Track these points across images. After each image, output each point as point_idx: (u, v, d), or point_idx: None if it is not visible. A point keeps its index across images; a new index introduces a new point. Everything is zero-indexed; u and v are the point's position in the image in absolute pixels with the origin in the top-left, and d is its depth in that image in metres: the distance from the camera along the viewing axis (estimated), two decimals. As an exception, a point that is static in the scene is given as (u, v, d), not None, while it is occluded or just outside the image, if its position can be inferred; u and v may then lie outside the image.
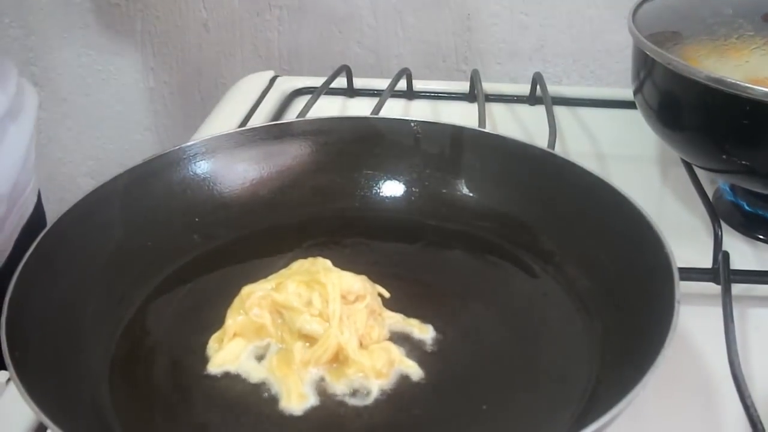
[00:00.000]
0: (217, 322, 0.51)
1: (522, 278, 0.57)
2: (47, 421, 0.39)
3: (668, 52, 0.61)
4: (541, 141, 0.65)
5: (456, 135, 0.63)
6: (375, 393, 0.48)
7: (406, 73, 0.87)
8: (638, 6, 0.68)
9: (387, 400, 0.47)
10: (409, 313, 0.53)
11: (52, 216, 0.53)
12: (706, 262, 0.59)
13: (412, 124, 0.64)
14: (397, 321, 0.52)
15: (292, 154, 0.64)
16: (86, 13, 1.20)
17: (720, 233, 0.60)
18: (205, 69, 1.21)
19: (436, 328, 0.52)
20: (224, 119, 0.84)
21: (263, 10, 1.14)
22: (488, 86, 0.85)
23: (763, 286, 0.59)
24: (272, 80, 0.93)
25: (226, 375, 0.49)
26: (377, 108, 0.76)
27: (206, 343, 0.51)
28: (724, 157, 0.62)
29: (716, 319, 0.53)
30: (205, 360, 0.50)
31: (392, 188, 0.64)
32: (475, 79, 0.84)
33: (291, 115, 0.86)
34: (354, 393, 0.48)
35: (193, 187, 0.60)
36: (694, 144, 0.65)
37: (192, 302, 0.55)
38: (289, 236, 0.60)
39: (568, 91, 0.88)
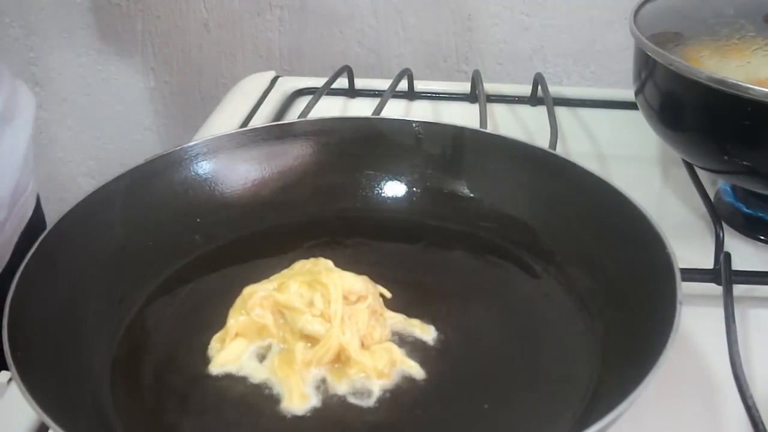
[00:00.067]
0: (219, 323, 0.51)
1: (523, 278, 0.57)
2: (49, 421, 0.39)
3: (670, 53, 0.61)
4: (542, 141, 0.65)
5: (457, 135, 0.63)
6: (377, 393, 0.48)
7: (408, 74, 0.87)
8: (639, 6, 0.68)
9: (389, 400, 0.47)
10: (410, 314, 0.53)
11: (52, 216, 0.53)
12: (707, 263, 0.59)
13: (414, 125, 0.64)
14: (398, 321, 0.52)
15: (294, 154, 0.64)
16: (87, 13, 1.20)
17: (721, 234, 0.60)
18: (206, 69, 1.21)
19: (437, 329, 0.52)
20: (225, 119, 0.84)
21: (264, 10, 1.14)
22: (489, 87, 0.85)
23: (764, 287, 0.59)
24: (273, 80, 0.93)
25: (228, 375, 0.49)
26: (378, 108, 0.76)
27: (208, 343, 0.51)
28: (725, 157, 0.62)
29: (717, 320, 0.53)
30: (206, 360, 0.50)
31: (394, 188, 0.64)
32: (476, 80, 0.84)
33: (292, 116, 0.86)
34: (356, 393, 0.48)
35: (195, 188, 0.60)
36: (696, 145, 0.65)
37: (193, 302, 0.55)
38: (291, 236, 0.60)
39: (570, 91, 0.88)
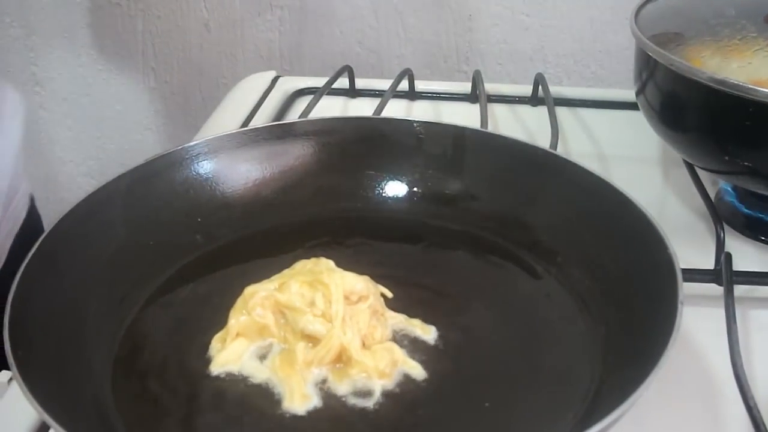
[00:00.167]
0: (220, 322, 0.51)
1: (524, 279, 0.57)
2: (50, 421, 0.39)
3: (671, 53, 0.61)
4: (543, 142, 0.66)
5: (458, 135, 0.63)
6: (378, 393, 0.47)
7: (408, 74, 0.87)
8: (640, 7, 0.68)
9: (390, 400, 0.47)
10: (411, 314, 0.53)
11: (52, 216, 0.53)
12: (708, 264, 0.59)
13: (415, 125, 0.64)
14: (399, 321, 0.52)
15: (295, 154, 0.63)
16: (87, 13, 1.20)
17: (722, 234, 0.60)
18: (206, 69, 1.21)
19: (438, 329, 0.52)
20: (226, 119, 0.84)
21: (264, 10, 1.15)
22: (490, 87, 0.85)
23: (765, 287, 0.59)
24: (274, 80, 0.93)
25: (229, 375, 0.49)
26: (379, 108, 0.76)
27: (209, 343, 0.51)
28: (726, 158, 0.62)
29: (718, 321, 0.53)
30: (207, 360, 0.50)
31: (395, 189, 0.64)
32: (477, 80, 0.84)
33: (293, 116, 0.86)
34: (357, 393, 0.48)
35: (196, 187, 0.60)
36: (697, 145, 0.65)
37: (194, 302, 0.55)
38: (292, 236, 0.60)
39: (570, 92, 0.88)
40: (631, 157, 0.77)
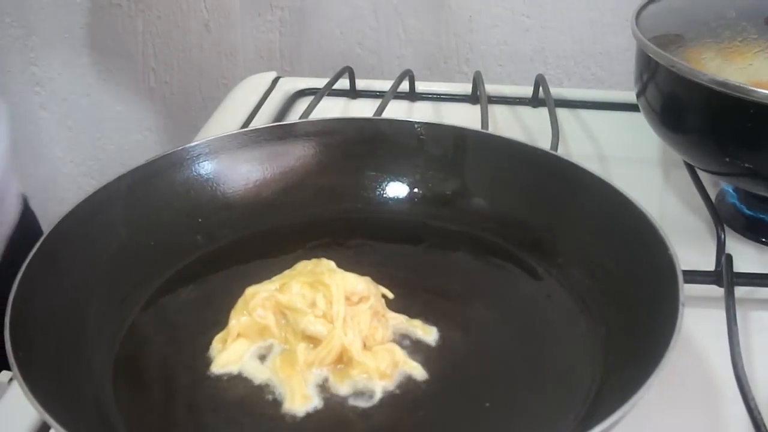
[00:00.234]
0: (221, 323, 0.51)
1: (525, 280, 0.57)
2: (50, 421, 0.39)
3: (671, 55, 0.61)
4: (543, 143, 0.65)
5: (459, 137, 0.63)
6: (379, 394, 0.47)
7: (409, 75, 0.87)
8: (641, 8, 0.68)
9: (391, 401, 0.47)
10: (412, 315, 0.53)
11: (52, 216, 0.53)
12: (709, 265, 0.59)
13: (416, 126, 0.64)
14: (400, 322, 0.52)
15: (296, 155, 0.63)
16: (87, 13, 1.20)
17: (723, 236, 0.60)
18: (207, 69, 1.21)
19: (439, 330, 0.52)
20: (227, 120, 0.84)
21: (265, 11, 1.14)
22: (490, 88, 0.85)
23: (765, 288, 0.59)
24: (275, 81, 0.93)
25: (230, 376, 0.49)
26: (380, 109, 0.76)
27: (210, 343, 0.51)
28: (727, 159, 0.62)
29: (719, 322, 0.54)
30: (208, 361, 0.50)
31: (395, 189, 0.64)
32: (477, 81, 0.85)
33: (294, 116, 0.86)
34: (358, 394, 0.48)
35: (197, 188, 0.60)
36: (697, 147, 0.65)
37: (195, 303, 0.55)
38: (293, 237, 0.60)
39: (571, 93, 0.88)
40: (631, 159, 0.77)
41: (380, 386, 0.48)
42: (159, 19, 1.18)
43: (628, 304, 0.51)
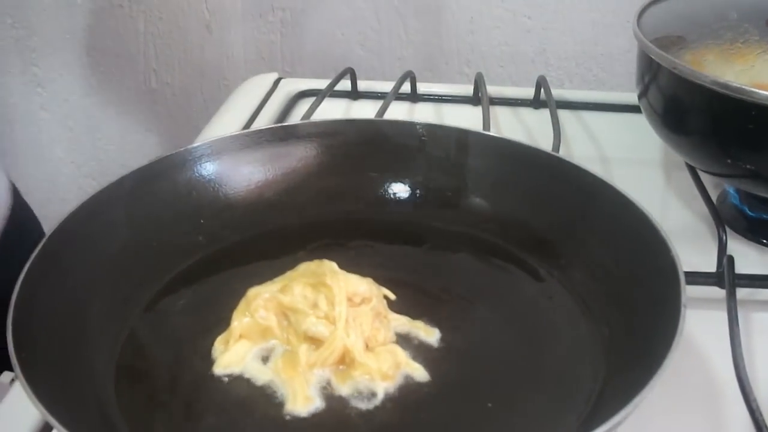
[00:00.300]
0: (223, 324, 0.51)
1: (527, 281, 0.57)
2: (53, 421, 0.39)
3: (673, 57, 0.61)
4: (545, 144, 0.65)
5: (461, 138, 0.63)
6: (381, 395, 0.47)
7: (410, 76, 0.87)
8: (643, 10, 0.68)
9: (393, 402, 0.47)
10: (414, 316, 0.53)
11: (53, 216, 0.53)
12: (710, 266, 0.59)
13: (418, 127, 0.64)
14: (402, 323, 0.52)
15: (298, 156, 0.64)
16: (88, 14, 1.20)
17: (724, 237, 0.60)
18: (208, 70, 1.21)
19: (441, 331, 0.52)
20: (228, 121, 0.84)
21: (266, 12, 1.15)
22: (492, 89, 0.85)
23: (767, 290, 0.59)
24: (276, 82, 0.93)
25: (232, 377, 0.49)
26: (381, 110, 0.76)
27: (212, 344, 0.51)
28: (728, 161, 0.62)
29: (721, 323, 0.54)
30: (210, 362, 0.50)
31: (397, 191, 0.64)
32: (479, 83, 0.85)
33: (295, 118, 0.86)
34: (360, 395, 0.48)
35: (199, 189, 0.60)
36: (699, 148, 0.65)
37: (197, 304, 0.55)
38: (295, 238, 0.60)
39: (572, 94, 0.88)
40: (633, 160, 0.77)
41: (382, 387, 0.48)
42: (160, 20, 1.18)
43: (630, 306, 0.51)
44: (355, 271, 0.53)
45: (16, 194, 0.84)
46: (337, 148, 0.64)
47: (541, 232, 0.59)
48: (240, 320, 0.51)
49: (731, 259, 0.58)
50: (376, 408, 0.47)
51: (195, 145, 0.61)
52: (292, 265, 0.54)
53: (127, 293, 0.54)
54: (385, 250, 0.60)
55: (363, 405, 0.47)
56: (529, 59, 1.11)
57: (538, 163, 0.60)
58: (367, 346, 0.49)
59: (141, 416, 0.46)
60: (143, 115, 1.27)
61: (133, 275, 0.55)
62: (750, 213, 0.67)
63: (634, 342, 0.48)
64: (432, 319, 0.53)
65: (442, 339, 0.51)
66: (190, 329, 0.52)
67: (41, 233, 0.83)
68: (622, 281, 0.52)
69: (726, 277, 0.57)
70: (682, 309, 0.45)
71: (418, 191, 0.63)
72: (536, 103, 0.87)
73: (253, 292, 0.51)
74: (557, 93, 0.84)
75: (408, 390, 0.48)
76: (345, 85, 0.88)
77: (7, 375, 0.54)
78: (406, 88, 0.87)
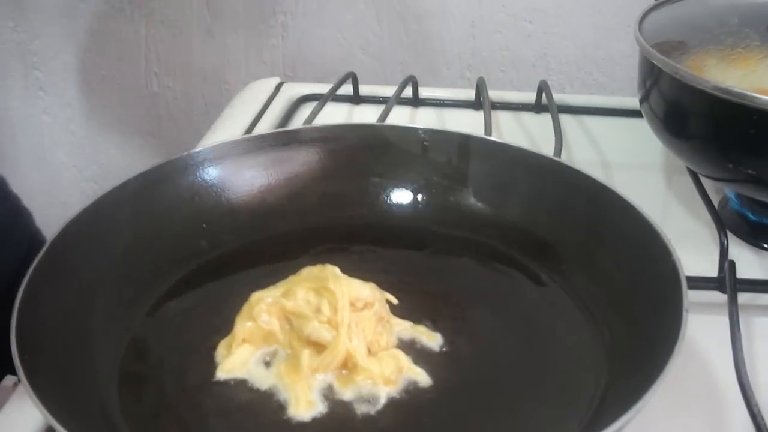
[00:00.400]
0: (226, 329, 0.51)
1: (529, 286, 0.57)
2: (56, 425, 0.39)
3: (674, 62, 0.61)
4: (546, 149, 0.66)
5: (463, 143, 0.63)
6: (383, 400, 0.48)
7: (412, 81, 0.87)
8: (644, 15, 0.69)
9: (395, 407, 0.47)
10: (416, 321, 0.53)
11: (55, 220, 0.53)
12: (712, 271, 0.59)
13: (420, 132, 0.64)
14: (405, 328, 0.52)
15: (300, 161, 0.64)
16: (90, 17, 1.20)
17: (726, 242, 0.60)
18: (209, 75, 1.21)
19: (443, 336, 0.52)
20: (230, 125, 0.84)
21: (268, 16, 1.15)
22: (494, 94, 0.85)
23: (768, 294, 0.59)
24: (278, 87, 0.93)
25: (234, 381, 0.49)
26: (383, 115, 0.76)
27: (214, 349, 0.51)
28: (730, 166, 0.62)
29: (722, 328, 0.54)
30: (213, 366, 0.50)
31: (400, 196, 0.64)
32: (480, 87, 0.85)
33: (297, 122, 0.86)
34: (362, 400, 0.48)
35: (202, 194, 0.60)
36: (700, 153, 0.65)
37: (200, 308, 0.55)
38: (297, 243, 0.60)
39: (574, 99, 0.88)
40: (634, 165, 0.77)
41: (385, 392, 0.48)
42: (162, 24, 1.18)
43: (631, 311, 0.51)
44: (357, 275, 0.53)
45: (1, 183, 0.84)
46: (339, 153, 0.64)
47: (543, 237, 0.59)
48: (243, 325, 0.51)
49: (733, 264, 0.58)
50: (379, 413, 0.47)
51: (197, 149, 0.61)
52: (294, 270, 0.54)
53: (131, 297, 0.54)
54: (388, 255, 0.60)
55: (365, 409, 0.47)
56: (530, 64, 1.11)
57: (540, 168, 0.61)
58: (369, 351, 0.49)
59: (144, 420, 0.47)
60: (145, 119, 1.27)
61: (136, 279, 0.55)
62: (751, 217, 0.67)
63: (636, 347, 0.48)
64: (434, 324, 0.53)
65: (445, 344, 0.52)
66: (193, 333, 0.53)
67: (30, 223, 0.83)
68: (624, 286, 0.53)
69: (727, 281, 0.57)
70: (684, 314, 0.45)
71: (420, 196, 0.64)
72: (538, 107, 0.87)
73: (255, 296, 0.52)
74: (558, 97, 0.84)
75: (410, 395, 0.48)
76: (347, 89, 0.88)
77: (9, 379, 0.54)
78: (407, 92, 0.87)
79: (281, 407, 0.47)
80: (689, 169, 0.69)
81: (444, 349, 0.51)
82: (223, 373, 0.49)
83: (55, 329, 0.48)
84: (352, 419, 0.47)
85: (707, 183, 0.68)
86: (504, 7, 1.08)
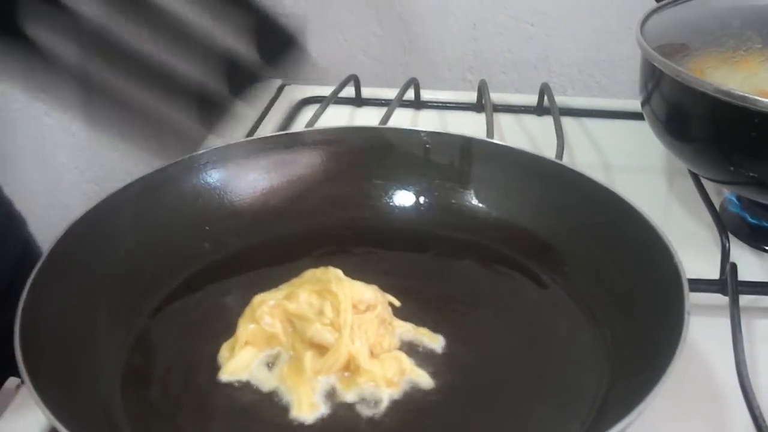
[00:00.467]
0: (228, 331, 0.51)
1: (531, 288, 0.57)
2: (60, 427, 0.39)
3: (676, 64, 0.61)
4: (548, 151, 0.66)
5: (465, 146, 0.63)
6: (386, 402, 0.48)
7: (414, 83, 0.87)
8: (646, 18, 0.69)
9: (397, 409, 0.47)
10: (419, 323, 0.53)
11: (56, 222, 0.53)
12: (714, 273, 0.59)
13: (422, 135, 0.64)
14: (407, 330, 0.52)
15: (303, 163, 0.64)
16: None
17: (727, 244, 0.60)
18: (211, 76, 1.21)
19: (446, 338, 0.52)
20: (232, 128, 0.84)
21: (269, 18, 1.15)
22: (495, 96, 0.85)
23: (770, 297, 0.59)
24: (280, 89, 0.93)
25: (237, 383, 0.49)
26: (385, 118, 0.77)
27: (217, 351, 0.51)
28: (731, 168, 0.62)
29: (724, 330, 0.54)
30: (216, 368, 0.50)
31: (402, 198, 0.64)
32: (482, 90, 0.85)
33: (299, 125, 0.86)
34: (365, 402, 0.48)
35: (205, 196, 0.61)
36: (702, 155, 0.65)
37: (203, 310, 0.55)
38: (300, 245, 0.60)
39: (576, 101, 0.89)
40: (636, 167, 0.78)
41: (387, 394, 0.48)
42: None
43: (633, 313, 0.51)
44: (360, 278, 0.53)
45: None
46: (341, 156, 0.64)
47: (545, 239, 0.59)
48: (246, 327, 0.51)
49: (734, 267, 0.59)
50: (381, 414, 0.47)
51: (200, 152, 0.61)
52: (297, 272, 0.54)
53: (133, 300, 0.54)
54: (390, 257, 0.61)
55: (368, 411, 0.47)
56: (531, 66, 1.11)
57: (542, 171, 0.61)
58: (371, 353, 0.50)
59: (147, 422, 0.47)
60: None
61: (138, 282, 0.55)
62: (752, 220, 0.67)
63: (638, 349, 0.48)
64: (436, 326, 0.53)
65: (447, 346, 0.52)
66: (195, 336, 0.53)
67: (23, 228, 0.83)
68: (626, 288, 0.53)
69: (729, 284, 0.57)
70: (686, 316, 0.45)
71: (422, 198, 0.64)
72: (539, 110, 0.87)
73: (258, 299, 0.52)
74: (560, 100, 0.84)
75: (413, 397, 0.48)
76: (349, 92, 0.88)
77: (12, 381, 0.54)
78: (409, 95, 0.87)
79: (284, 409, 0.47)
80: (690, 172, 0.70)
81: (446, 351, 0.51)
82: (225, 375, 0.49)
83: (58, 331, 0.48)
84: (355, 421, 0.47)
85: (708, 185, 0.68)
86: (506, 9, 1.08)
